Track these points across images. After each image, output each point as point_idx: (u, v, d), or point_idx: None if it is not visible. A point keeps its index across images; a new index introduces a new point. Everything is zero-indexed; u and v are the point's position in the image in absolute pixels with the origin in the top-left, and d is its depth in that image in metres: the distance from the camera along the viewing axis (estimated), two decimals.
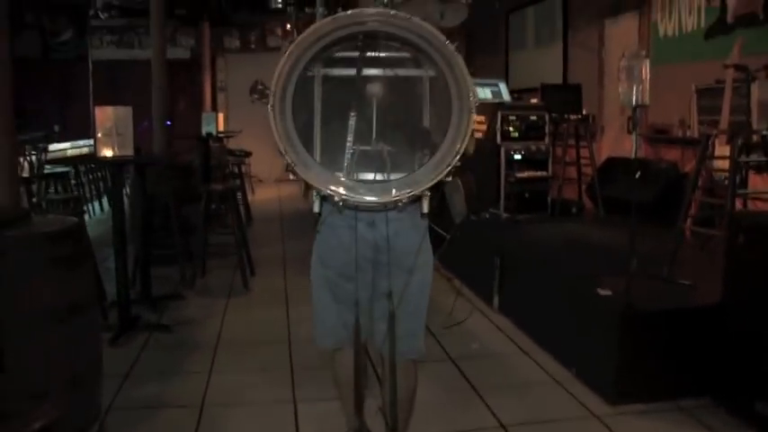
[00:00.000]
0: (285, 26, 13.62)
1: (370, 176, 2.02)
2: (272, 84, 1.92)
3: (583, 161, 7.03)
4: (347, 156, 1.99)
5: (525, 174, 6.31)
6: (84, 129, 11.97)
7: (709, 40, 6.32)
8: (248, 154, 12.34)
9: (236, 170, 9.86)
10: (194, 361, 4.29)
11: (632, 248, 3.68)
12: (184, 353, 4.43)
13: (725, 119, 4.94)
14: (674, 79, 6.72)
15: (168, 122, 11.59)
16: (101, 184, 10.81)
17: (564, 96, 7.07)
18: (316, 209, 2.08)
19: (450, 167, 1.92)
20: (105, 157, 4.58)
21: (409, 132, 2.10)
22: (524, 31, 10.28)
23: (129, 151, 4.65)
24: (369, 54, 2.06)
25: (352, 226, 2.22)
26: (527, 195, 6.30)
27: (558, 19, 9.24)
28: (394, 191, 1.93)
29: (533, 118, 6.40)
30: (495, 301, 5.16)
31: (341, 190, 1.91)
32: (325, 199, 2.02)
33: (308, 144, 2.00)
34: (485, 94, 6.46)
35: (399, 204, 1.99)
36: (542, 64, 9.50)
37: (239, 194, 9.61)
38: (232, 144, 12.63)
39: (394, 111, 2.07)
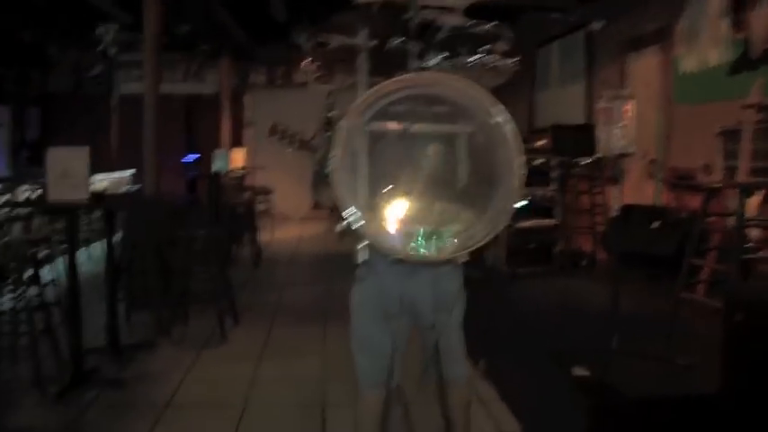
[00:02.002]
0: (310, 62, 13.37)
1: (424, 231, 2.12)
2: (335, 141, 1.99)
3: (597, 209, 6.48)
4: (403, 211, 2.11)
5: (529, 223, 5.80)
6: (108, 163, 11.94)
7: (735, 77, 5.76)
8: (268, 191, 12.11)
9: (250, 209, 9.53)
10: (133, 427, 3.89)
11: (614, 318, 3.16)
12: (127, 416, 4.05)
13: (744, 167, 4.40)
14: (697, 119, 6.18)
15: (190, 159, 11.55)
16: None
17: (575, 138, 6.53)
18: (364, 257, 2.18)
19: (506, 222, 2.07)
20: (55, 202, 4.27)
21: (462, 188, 2.21)
22: (548, 69, 9.76)
23: (84, 195, 4.33)
24: (422, 112, 2.20)
25: (397, 272, 2.36)
26: (531, 246, 5.79)
27: (581, 56, 8.72)
28: (450, 247, 2.06)
29: (538, 162, 5.90)
30: (481, 365, 4.64)
31: (398, 245, 2.02)
32: (374, 248, 2.14)
33: (367, 199, 2.09)
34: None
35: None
36: (566, 105, 8.96)
37: (248, 234, 9.43)
38: (261, 180, 12.43)
39: (446, 167, 2.21)
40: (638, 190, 7.20)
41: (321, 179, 2.59)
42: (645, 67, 7.24)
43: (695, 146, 6.21)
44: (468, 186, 2.20)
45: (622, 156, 3.24)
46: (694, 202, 6.30)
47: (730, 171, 5.50)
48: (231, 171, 10.22)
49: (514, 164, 2.12)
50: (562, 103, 9.01)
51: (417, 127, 2.20)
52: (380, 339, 2.50)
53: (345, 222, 2.01)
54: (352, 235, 2.12)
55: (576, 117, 8.44)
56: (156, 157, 6.70)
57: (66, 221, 4.62)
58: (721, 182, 4.10)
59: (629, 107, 3.21)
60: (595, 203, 6.49)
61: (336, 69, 14.25)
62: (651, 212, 6.40)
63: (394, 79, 2.08)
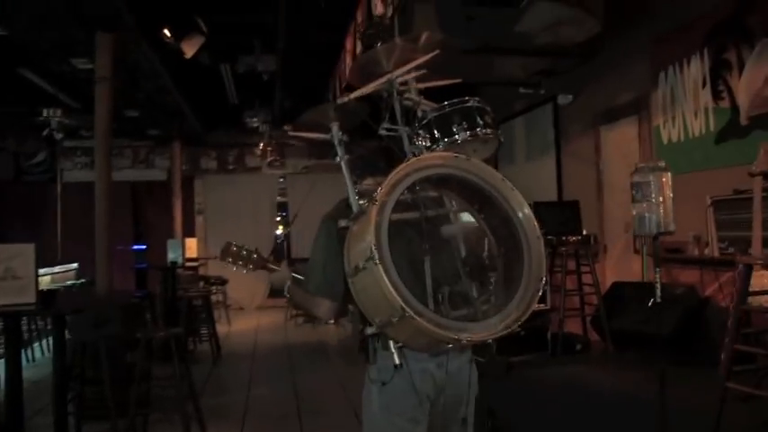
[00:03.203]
0: (262, 145, 13.09)
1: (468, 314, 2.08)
2: (371, 238, 1.90)
3: (585, 288, 6.12)
4: (438, 297, 2.04)
5: None
6: (52, 255, 11.24)
7: (722, 145, 5.57)
8: (223, 281, 11.53)
9: (206, 300, 8.92)
10: None
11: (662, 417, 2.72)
12: None
13: (757, 240, 4.10)
14: (684, 190, 5.92)
15: (136, 248, 10.92)
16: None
17: (560, 215, 6.25)
18: (397, 361, 2.06)
19: (539, 292, 2.05)
20: None
21: (490, 267, 2.18)
22: (513, 144, 9.53)
23: (31, 299, 3.78)
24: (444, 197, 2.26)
25: (424, 369, 2.26)
26: (523, 333, 5.34)
27: (548, 129, 8.55)
28: (498, 324, 1.98)
29: None
30: None
31: (450, 333, 1.90)
32: (401, 347, 2.06)
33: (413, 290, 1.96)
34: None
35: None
36: (535, 179, 8.71)
37: (206, 328, 8.82)
38: (213, 269, 11.84)
39: (472, 249, 2.20)
40: (624, 266, 6.90)
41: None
42: (621, 137, 7.06)
43: (683, 217, 5.93)
44: (497, 266, 2.18)
45: (661, 235, 2.86)
46: (686, 276, 6.02)
47: (732, 242, 5.26)
48: (186, 261, 9.65)
49: (531, 237, 2.13)
50: (531, 177, 8.75)
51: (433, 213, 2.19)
52: None
53: (399, 318, 1.85)
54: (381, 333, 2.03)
55: (547, 192, 8.19)
56: (108, 250, 6.15)
57: (7, 328, 4.03)
58: (755, 259, 3.76)
59: (666, 179, 2.86)
60: (584, 283, 6.13)
61: (289, 154, 14.02)
62: (643, 289, 6.08)
63: (403, 164, 2.05)
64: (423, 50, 2.48)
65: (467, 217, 2.29)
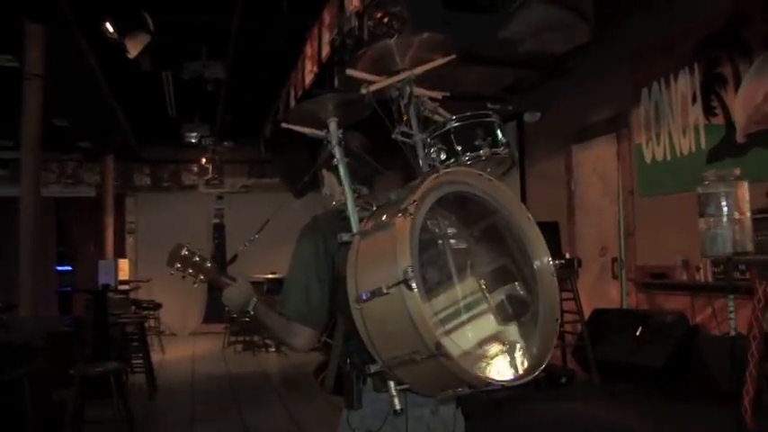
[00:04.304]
0: (201, 162, 12.37)
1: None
2: (405, 258, 1.67)
3: (566, 316, 5.69)
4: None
5: None
6: None
7: (714, 164, 5.24)
8: (156, 306, 10.73)
9: (141, 327, 8.13)
10: None
11: None
12: None
13: None
14: (670, 211, 5.61)
15: (60, 269, 10.05)
16: None
17: None
18: (398, 406, 1.81)
19: (558, 323, 1.91)
20: None
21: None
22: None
23: None
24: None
25: (420, 416, 1.99)
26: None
27: (513, 147, 8.16)
28: (525, 363, 1.81)
29: None
30: None
31: (482, 375, 1.72)
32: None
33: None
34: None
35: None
36: None
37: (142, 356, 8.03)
38: (142, 294, 11.01)
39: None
40: (599, 292, 6.52)
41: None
42: (596, 157, 6.71)
43: (668, 241, 5.62)
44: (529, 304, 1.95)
45: (737, 256, 2.41)
46: (672, 302, 5.66)
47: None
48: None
49: (544, 267, 1.96)
50: None
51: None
52: None
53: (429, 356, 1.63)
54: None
55: None
56: (35, 271, 5.40)
57: None
58: None
59: (743, 191, 2.41)
60: (564, 310, 5.70)
61: (228, 173, 13.32)
62: (628, 317, 5.71)
63: (463, 169, 1.93)
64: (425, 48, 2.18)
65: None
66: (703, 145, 5.39)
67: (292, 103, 7.30)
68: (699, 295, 5.29)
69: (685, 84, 5.56)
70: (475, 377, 1.71)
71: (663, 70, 5.80)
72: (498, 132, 2.16)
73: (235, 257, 2.50)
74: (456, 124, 2.12)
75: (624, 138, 6.28)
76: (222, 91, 8.59)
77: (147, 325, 9.76)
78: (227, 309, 2.26)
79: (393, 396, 1.82)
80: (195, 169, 12.73)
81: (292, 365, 9.70)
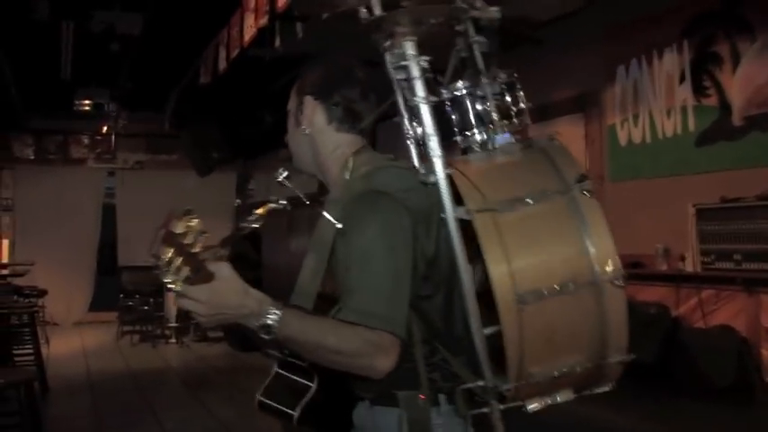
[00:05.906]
0: (100, 132, 11.16)
1: None
2: (605, 239, 1.53)
3: None
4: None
5: None
6: None
7: (705, 148, 4.89)
8: (42, 293, 9.51)
9: (31, 318, 7.01)
10: None
11: None
12: None
13: None
14: (648, 197, 5.24)
15: None
16: None
17: None
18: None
19: None
20: None
21: None
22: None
23: None
24: None
25: None
26: None
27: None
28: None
29: None
30: None
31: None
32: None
33: None
34: None
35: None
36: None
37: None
38: (22, 281, 9.71)
39: None
40: None
41: None
42: (559, 138, 6.27)
43: (644, 228, 5.24)
44: None
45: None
46: (647, 294, 5.29)
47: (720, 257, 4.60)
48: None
49: None
50: None
51: None
52: None
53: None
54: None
55: None
56: None
57: None
58: None
59: None
60: None
61: (120, 147, 12.12)
62: None
63: None
64: None
65: None
66: (691, 127, 5.01)
67: (221, 64, 6.42)
68: (683, 286, 4.95)
69: (672, 62, 5.17)
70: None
71: (644, 47, 5.37)
72: None
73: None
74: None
75: (594, 118, 5.84)
76: (130, 52, 7.53)
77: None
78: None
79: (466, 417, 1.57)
80: (86, 141, 11.46)
81: (199, 358, 8.90)
